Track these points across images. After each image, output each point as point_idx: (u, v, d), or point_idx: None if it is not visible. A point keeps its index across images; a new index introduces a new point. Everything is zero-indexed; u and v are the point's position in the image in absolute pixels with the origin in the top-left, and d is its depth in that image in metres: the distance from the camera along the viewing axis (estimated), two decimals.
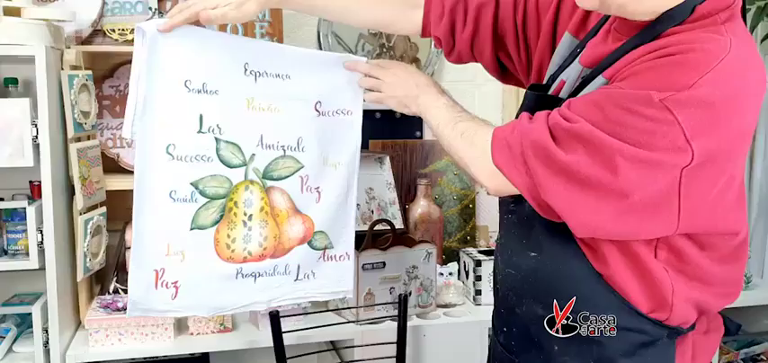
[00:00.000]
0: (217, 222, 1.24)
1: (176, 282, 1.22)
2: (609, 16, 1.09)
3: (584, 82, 1.06)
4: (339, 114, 1.33)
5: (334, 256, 1.39)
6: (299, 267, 1.35)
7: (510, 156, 1.04)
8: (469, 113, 1.19)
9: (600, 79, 1.03)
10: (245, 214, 1.26)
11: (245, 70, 1.23)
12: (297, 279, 1.35)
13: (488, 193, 1.12)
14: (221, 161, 1.22)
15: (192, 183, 1.20)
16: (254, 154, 1.26)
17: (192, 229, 1.21)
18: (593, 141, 0.96)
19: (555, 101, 1.08)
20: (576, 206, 0.99)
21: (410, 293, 1.85)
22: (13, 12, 1.57)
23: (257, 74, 1.24)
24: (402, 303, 1.69)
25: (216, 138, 1.21)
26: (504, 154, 1.04)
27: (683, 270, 1.06)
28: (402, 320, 1.69)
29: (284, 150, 1.28)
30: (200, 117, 1.19)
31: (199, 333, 1.76)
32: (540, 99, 1.12)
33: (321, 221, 1.35)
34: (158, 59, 1.15)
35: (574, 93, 1.07)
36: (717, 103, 0.93)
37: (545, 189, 1.00)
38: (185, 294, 1.23)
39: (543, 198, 1.01)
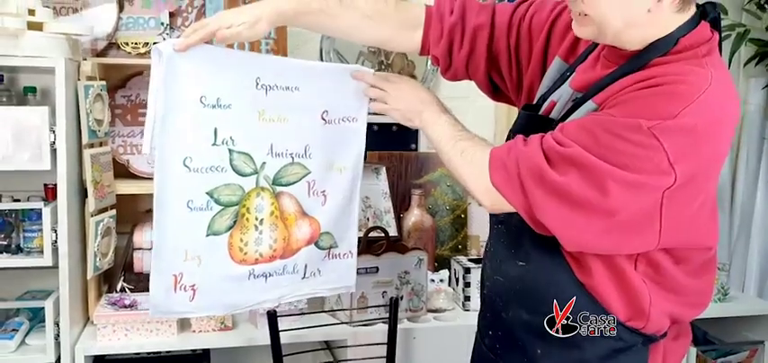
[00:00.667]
0: (230, 227, 1.31)
1: (194, 285, 1.29)
2: (597, 44, 1.17)
3: (575, 105, 1.14)
4: (344, 121, 1.40)
5: (339, 254, 1.47)
6: (306, 266, 1.42)
7: (507, 177, 1.10)
8: (469, 132, 1.25)
9: (590, 104, 1.11)
10: (256, 219, 1.33)
11: (257, 84, 1.30)
12: (304, 278, 1.43)
13: (487, 210, 1.20)
14: (234, 170, 1.29)
15: (207, 193, 1.27)
16: (264, 163, 1.33)
17: (207, 235, 1.28)
18: (585, 164, 1.03)
19: (545, 122, 1.17)
20: (567, 223, 1.07)
21: (402, 297, 1.94)
22: (35, 26, 1.67)
23: (268, 87, 1.31)
24: (393, 306, 1.78)
25: (229, 150, 1.28)
26: (501, 175, 1.11)
27: (660, 282, 1.14)
28: (392, 322, 1.78)
29: (292, 157, 1.36)
30: (215, 130, 1.26)
31: (201, 331, 1.85)
32: (531, 119, 1.21)
33: (326, 222, 1.42)
34: (175, 78, 1.21)
35: (565, 116, 1.15)
36: (698, 131, 1.01)
37: (539, 207, 1.07)
38: (202, 296, 1.30)
39: (537, 216, 1.09)
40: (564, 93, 1.18)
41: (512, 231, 1.22)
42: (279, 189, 1.36)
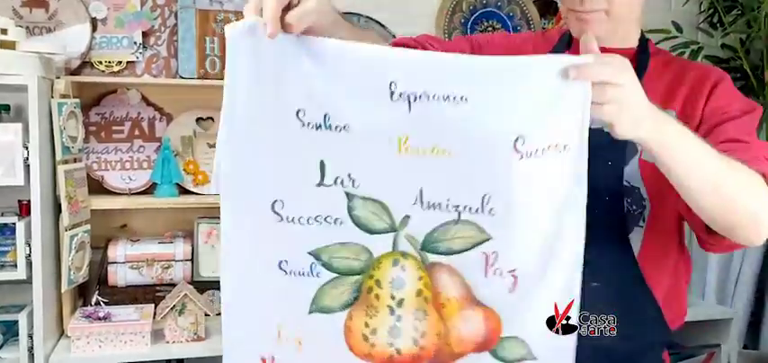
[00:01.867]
0: (349, 305, 0.92)
1: None
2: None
3: None
4: (550, 151, 0.85)
5: None
6: None
7: None
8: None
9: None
10: (392, 297, 0.91)
11: (392, 93, 0.82)
12: None
13: None
14: (356, 224, 0.89)
15: (310, 253, 0.90)
16: (408, 216, 0.89)
17: (311, 312, 0.92)
18: None
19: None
20: None
21: None
22: (8, 45, 1.72)
23: (413, 97, 0.83)
24: None
25: (347, 193, 0.87)
26: None
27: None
28: None
29: (459, 212, 0.88)
30: (321, 163, 0.86)
31: (174, 341, 1.89)
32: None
33: (515, 322, 0.92)
34: (256, 78, 0.82)
35: None
36: None
37: None
38: None
39: None
40: None
41: (604, 285, 1.09)
42: (433, 257, 0.91)
